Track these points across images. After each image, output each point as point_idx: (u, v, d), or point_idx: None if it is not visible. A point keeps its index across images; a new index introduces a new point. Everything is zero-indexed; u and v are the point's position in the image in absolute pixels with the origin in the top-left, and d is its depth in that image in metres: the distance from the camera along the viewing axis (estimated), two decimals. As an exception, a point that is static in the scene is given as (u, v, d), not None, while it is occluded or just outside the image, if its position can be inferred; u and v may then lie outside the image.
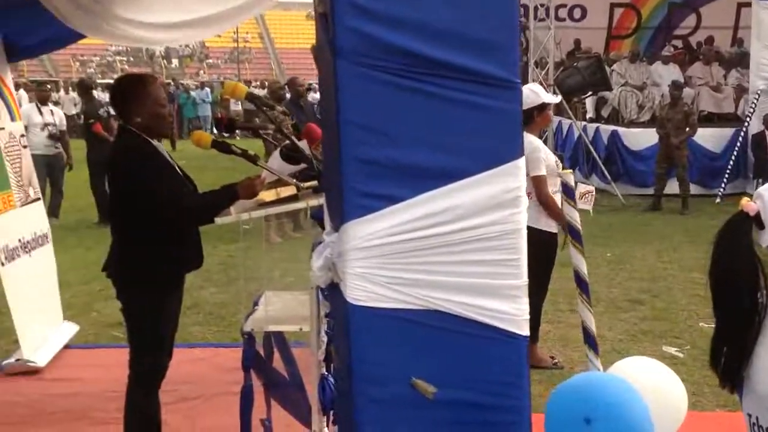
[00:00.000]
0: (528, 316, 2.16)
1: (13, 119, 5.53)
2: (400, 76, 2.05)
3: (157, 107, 3.56)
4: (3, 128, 5.34)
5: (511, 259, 2.13)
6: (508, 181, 2.10)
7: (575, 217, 3.75)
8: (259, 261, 8.37)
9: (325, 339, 3.45)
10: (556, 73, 13.82)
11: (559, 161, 5.28)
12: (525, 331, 2.15)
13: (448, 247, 2.11)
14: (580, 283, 3.77)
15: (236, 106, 25.40)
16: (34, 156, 6.03)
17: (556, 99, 5.68)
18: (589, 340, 3.68)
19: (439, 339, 2.13)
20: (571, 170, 3.97)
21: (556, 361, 5.46)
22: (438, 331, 2.13)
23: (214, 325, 6.48)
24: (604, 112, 14.67)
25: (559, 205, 5.12)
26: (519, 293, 2.14)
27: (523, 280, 2.14)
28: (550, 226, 5.03)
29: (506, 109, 2.09)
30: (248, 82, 28.59)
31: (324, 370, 3.50)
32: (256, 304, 3.59)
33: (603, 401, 1.99)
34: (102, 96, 15.54)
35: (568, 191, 3.75)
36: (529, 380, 2.19)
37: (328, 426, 3.56)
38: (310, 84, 16.41)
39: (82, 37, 5.38)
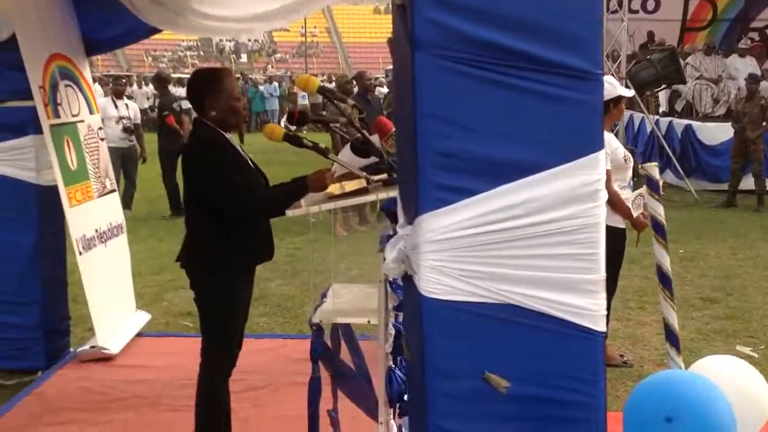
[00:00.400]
0: (605, 312, 2.12)
1: (91, 112, 5.65)
2: (480, 67, 2.04)
3: (232, 100, 3.60)
4: (82, 121, 5.46)
5: (588, 254, 2.10)
6: (588, 173, 2.07)
7: (660, 212, 3.67)
8: (325, 254, 8.46)
9: (392, 332, 3.46)
10: (629, 65, 13.55)
11: (629, 156, 5.17)
12: (602, 327, 2.12)
13: (525, 241, 2.09)
14: (663, 278, 3.68)
15: (303, 100, 25.60)
16: (109, 148, 6.17)
17: (631, 92, 5.56)
18: (671, 337, 3.60)
19: (514, 333, 2.11)
20: (656, 163, 3.87)
21: (625, 359, 5.38)
22: (512, 325, 2.11)
23: (280, 316, 6.55)
24: (678, 106, 14.37)
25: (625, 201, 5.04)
26: (596, 288, 2.11)
27: (601, 274, 2.11)
28: (617, 221, 4.95)
29: (588, 101, 2.06)
30: (315, 77, 28.76)
31: (391, 363, 3.51)
32: (324, 296, 3.61)
33: (685, 400, 1.94)
34: (174, 90, 15.81)
35: (652, 185, 3.66)
36: (605, 378, 2.14)
37: (394, 418, 3.57)
38: (377, 78, 16.42)
39: (156, 31, 5.50)
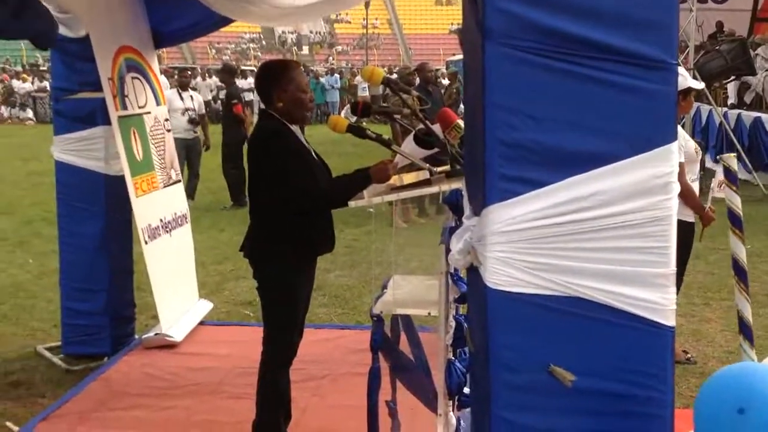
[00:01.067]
0: (675, 307, 2.08)
1: (158, 104, 5.75)
2: (552, 58, 2.02)
3: (299, 93, 3.63)
4: (149, 112, 5.56)
5: (659, 247, 2.07)
6: (660, 165, 2.04)
7: (737, 203, 3.58)
8: (384, 246, 8.48)
9: (453, 324, 3.45)
10: (697, 56, 13.23)
11: (699, 148, 5.07)
12: (671, 321, 2.08)
13: (594, 233, 2.06)
14: (739, 270, 3.60)
15: (363, 92, 25.68)
16: (174, 139, 6.27)
17: (701, 84, 5.44)
18: (745, 329, 3.51)
19: (581, 326, 2.09)
20: (734, 154, 3.78)
21: (689, 355, 5.28)
22: (579, 318, 2.09)
23: (338, 307, 6.60)
24: (747, 98, 14.00)
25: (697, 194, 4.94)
26: (667, 282, 2.07)
27: (671, 268, 2.07)
28: (687, 215, 4.85)
29: (662, 92, 2.03)
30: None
31: (451, 355, 3.50)
32: (384, 287, 3.62)
33: (759, 390, 1.89)
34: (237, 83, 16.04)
35: (730, 176, 3.58)
36: (674, 373, 2.11)
37: (453, 411, 3.56)
38: (437, 69, 16.36)
39: (223, 24, 5.57)
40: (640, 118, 2.03)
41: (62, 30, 5.16)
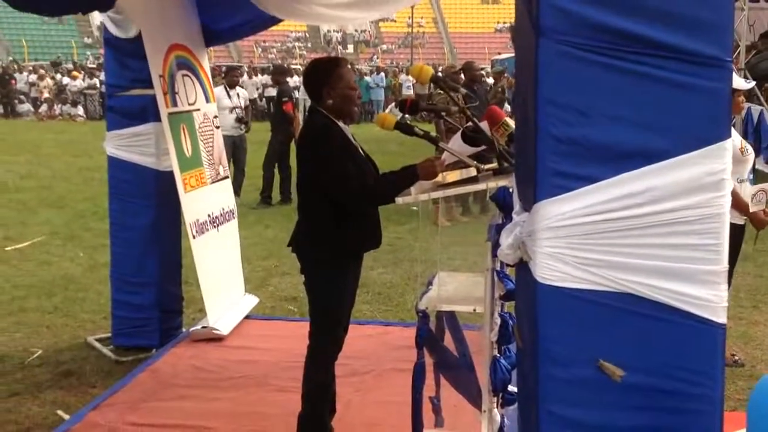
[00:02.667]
0: (726, 304, 2.07)
1: (207, 101, 5.84)
2: (605, 54, 2.02)
3: (348, 90, 3.66)
4: (199, 109, 5.65)
5: (711, 244, 2.06)
6: (713, 163, 2.03)
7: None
8: (427, 243, 8.49)
9: (498, 321, 3.46)
10: (748, 56, 12.99)
11: (748, 147, 4.98)
12: (722, 318, 2.08)
13: (645, 230, 2.06)
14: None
15: (408, 91, 25.68)
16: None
17: (749, 84, 5.36)
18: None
19: (630, 322, 2.09)
20: None
21: (736, 358, 5.21)
22: (629, 314, 2.09)
23: (382, 304, 6.62)
24: (800, 99, 13.66)
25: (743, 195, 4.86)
26: (718, 279, 2.07)
27: (723, 266, 2.06)
28: (736, 217, 4.78)
29: (716, 89, 2.03)
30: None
31: (496, 352, 3.51)
32: (430, 283, 3.64)
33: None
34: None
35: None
36: (724, 371, 2.10)
37: (498, 408, 3.57)
38: (483, 68, 16.30)
39: (273, 23, 5.64)
40: (693, 114, 2.03)
41: (114, 30, 5.27)
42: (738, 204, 4.78)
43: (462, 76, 10.02)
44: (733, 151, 4.83)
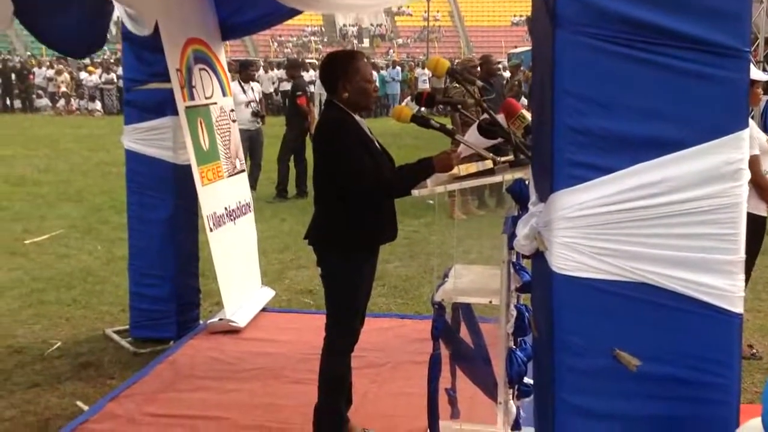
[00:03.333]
0: (743, 294, 2.07)
1: (224, 95, 5.86)
2: (622, 45, 2.03)
3: (364, 83, 3.66)
4: (215, 103, 5.68)
5: (728, 234, 2.06)
6: (731, 152, 2.04)
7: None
8: (443, 237, 8.50)
9: (514, 313, 3.47)
10: (767, 49, 12.86)
11: None
12: (739, 308, 2.08)
13: (662, 219, 2.07)
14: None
15: (424, 85, 25.64)
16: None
17: (766, 76, 5.33)
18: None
19: (646, 312, 2.10)
20: None
21: (754, 350, 5.20)
22: (645, 304, 2.09)
23: (398, 297, 6.64)
24: (819, 91, 13.50)
25: None
26: (735, 269, 2.07)
27: (740, 255, 2.07)
28: (760, 209, 4.76)
29: (734, 79, 2.03)
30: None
31: (512, 344, 3.52)
32: (446, 276, 3.65)
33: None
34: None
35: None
36: (740, 360, 2.10)
37: (513, 399, 3.58)
38: (499, 62, 16.28)
39: (288, 17, 5.65)
40: (711, 104, 2.03)
41: (130, 26, 5.30)
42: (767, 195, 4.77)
43: (479, 69, 10.00)
44: (762, 144, 4.83)
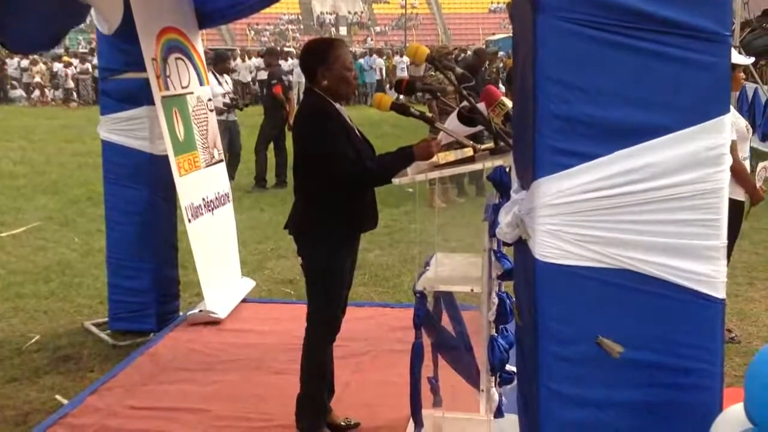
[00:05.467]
0: (725, 279, 2.08)
1: (201, 84, 5.81)
2: (603, 30, 2.02)
3: (344, 70, 3.64)
4: (192, 92, 5.62)
5: (710, 219, 2.07)
6: (712, 138, 2.03)
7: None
8: (423, 225, 8.49)
9: (496, 300, 3.46)
10: (743, 34, 12.95)
11: (749, 126, 4.99)
12: (721, 293, 2.09)
13: (644, 206, 2.07)
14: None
15: (402, 73, 25.61)
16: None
17: (748, 60, 5.35)
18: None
19: (629, 299, 2.10)
20: None
21: (733, 335, 5.24)
22: (628, 290, 2.09)
23: (378, 286, 6.63)
24: (795, 76, 13.65)
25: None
26: (717, 255, 2.08)
27: (722, 241, 2.07)
28: (738, 194, 4.80)
29: (715, 63, 2.02)
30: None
31: (494, 331, 3.52)
32: (427, 264, 3.64)
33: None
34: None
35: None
36: (723, 346, 2.10)
37: (495, 387, 3.59)
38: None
39: (265, 5, 5.60)
40: (692, 89, 2.03)
41: (96, 21, 5.25)
42: (747, 182, 4.80)
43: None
44: (740, 129, 4.85)
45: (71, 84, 27.62)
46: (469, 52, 18.85)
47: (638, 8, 1.99)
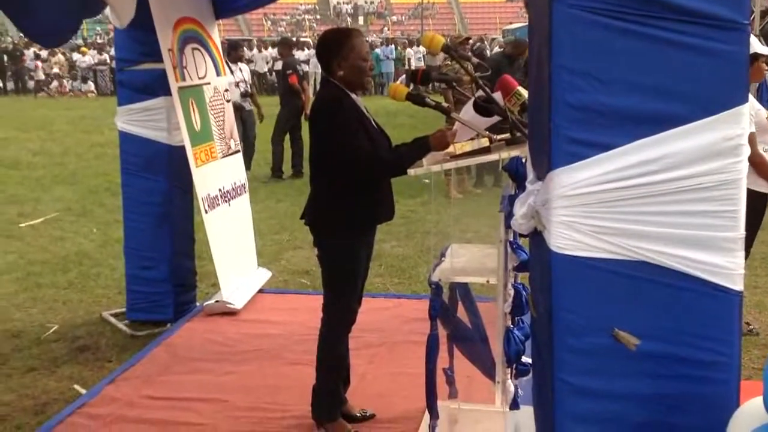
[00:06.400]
0: (742, 271, 2.05)
1: (218, 74, 5.81)
2: (619, 18, 1.99)
3: (360, 61, 3.62)
4: (209, 83, 5.63)
5: (728, 211, 2.04)
6: (730, 128, 2.00)
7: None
8: (440, 216, 8.48)
9: (511, 292, 3.45)
10: (763, 22, 12.81)
11: None
12: (739, 285, 2.06)
13: (661, 197, 2.04)
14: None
15: (418, 63, 25.55)
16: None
17: (768, 50, 5.28)
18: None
19: (646, 291, 2.08)
20: None
21: (751, 327, 5.20)
22: (645, 282, 2.08)
23: (395, 276, 6.63)
24: (815, 66, 13.46)
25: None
26: (735, 246, 2.05)
27: (740, 232, 2.04)
28: (760, 185, 4.75)
29: (733, 52, 1.99)
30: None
31: (509, 323, 3.51)
32: (443, 255, 3.63)
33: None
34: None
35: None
36: (741, 338, 2.08)
37: (511, 378, 3.58)
38: (494, 39, 16.20)
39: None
40: (710, 79, 2.00)
41: (110, 16, 5.25)
42: (765, 173, 4.75)
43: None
44: (760, 120, 4.80)
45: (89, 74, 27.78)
46: (485, 42, 18.78)
47: (655, -4, 1.97)
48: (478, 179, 10.24)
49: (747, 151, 2.03)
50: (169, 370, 4.70)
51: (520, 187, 2.89)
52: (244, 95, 10.81)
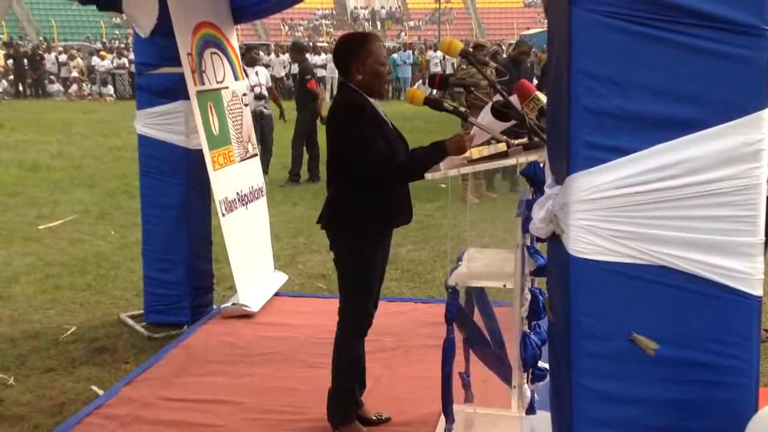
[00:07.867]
0: (762, 276, 2.05)
1: (236, 78, 5.84)
2: (638, 23, 1.99)
3: (377, 65, 3.63)
4: (227, 87, 5.66)
5: (747, 216, 2.04)
6: (750, 133, 2.00)
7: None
8: (456, 220, 8.48)
9: (528, 296, 3.45)
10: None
11: None
12: (758, 291, 2.06)
13: (680, 202, 2.04)
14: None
15: (435, 68, 25.54)
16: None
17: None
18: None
19: (664, 295, 2.08)
20: None
21: (769, 334, 5.13)
22: (663, 287, 2.07)
23: (410, 281, 6.63)
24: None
25: None
26: (754, 251, 2.05)
27: (760, 238, 2.04)
28: None
29: (752, 57, 1.99)
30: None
31: (526, 328, 3.50)
32: (459, 259, 3.63)
33: None
34: (309, 59, 16.09)
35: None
36: (759, 344, 2.07)
37: (527, 383, 3.57)
38: (511, 44, 16.20)
39: (299, 0, 5.60)
40: (729, 84, 1.99)
41: (134, 26, 5.30)
42: None
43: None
44: None
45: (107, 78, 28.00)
46: (503, 46, 18.76)
47: (673, 1, 1.97)
48: (488, 182, 10.23)
49: (767, 156, 2.03)
50: (186, 371, 4.73)
51: (538, 191, 2.89)
52: (258, 97, 10.82)
